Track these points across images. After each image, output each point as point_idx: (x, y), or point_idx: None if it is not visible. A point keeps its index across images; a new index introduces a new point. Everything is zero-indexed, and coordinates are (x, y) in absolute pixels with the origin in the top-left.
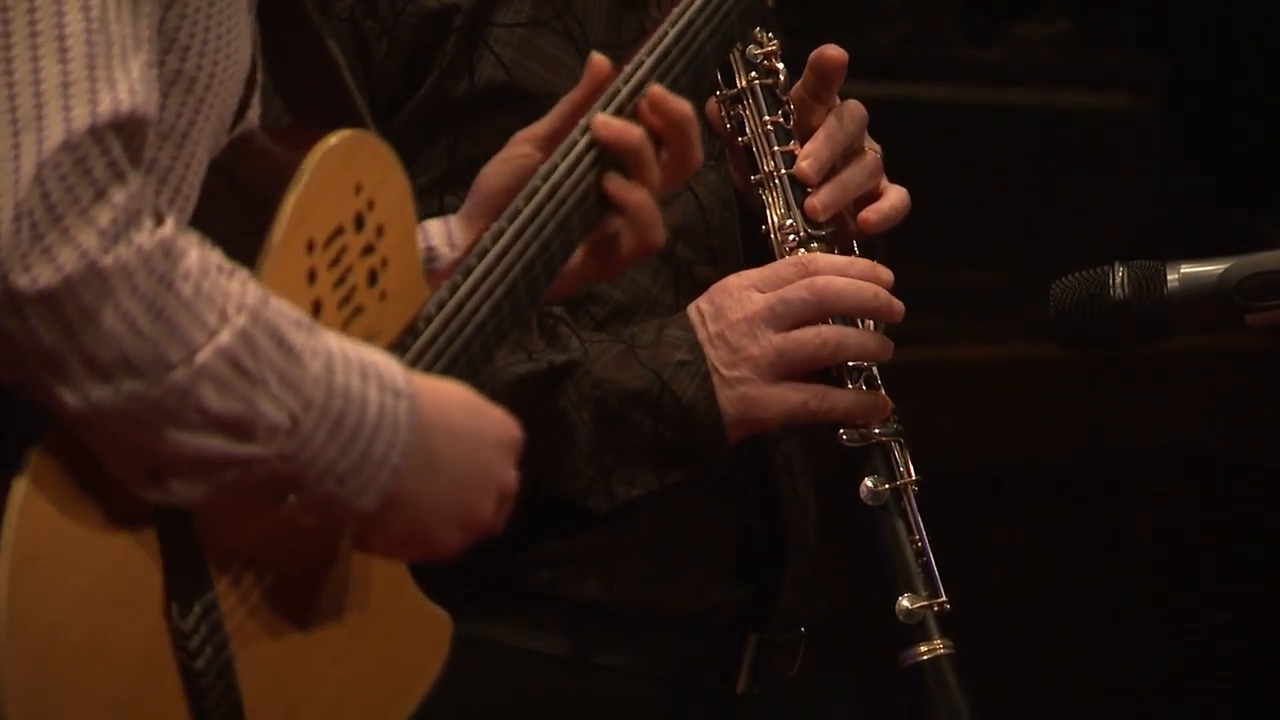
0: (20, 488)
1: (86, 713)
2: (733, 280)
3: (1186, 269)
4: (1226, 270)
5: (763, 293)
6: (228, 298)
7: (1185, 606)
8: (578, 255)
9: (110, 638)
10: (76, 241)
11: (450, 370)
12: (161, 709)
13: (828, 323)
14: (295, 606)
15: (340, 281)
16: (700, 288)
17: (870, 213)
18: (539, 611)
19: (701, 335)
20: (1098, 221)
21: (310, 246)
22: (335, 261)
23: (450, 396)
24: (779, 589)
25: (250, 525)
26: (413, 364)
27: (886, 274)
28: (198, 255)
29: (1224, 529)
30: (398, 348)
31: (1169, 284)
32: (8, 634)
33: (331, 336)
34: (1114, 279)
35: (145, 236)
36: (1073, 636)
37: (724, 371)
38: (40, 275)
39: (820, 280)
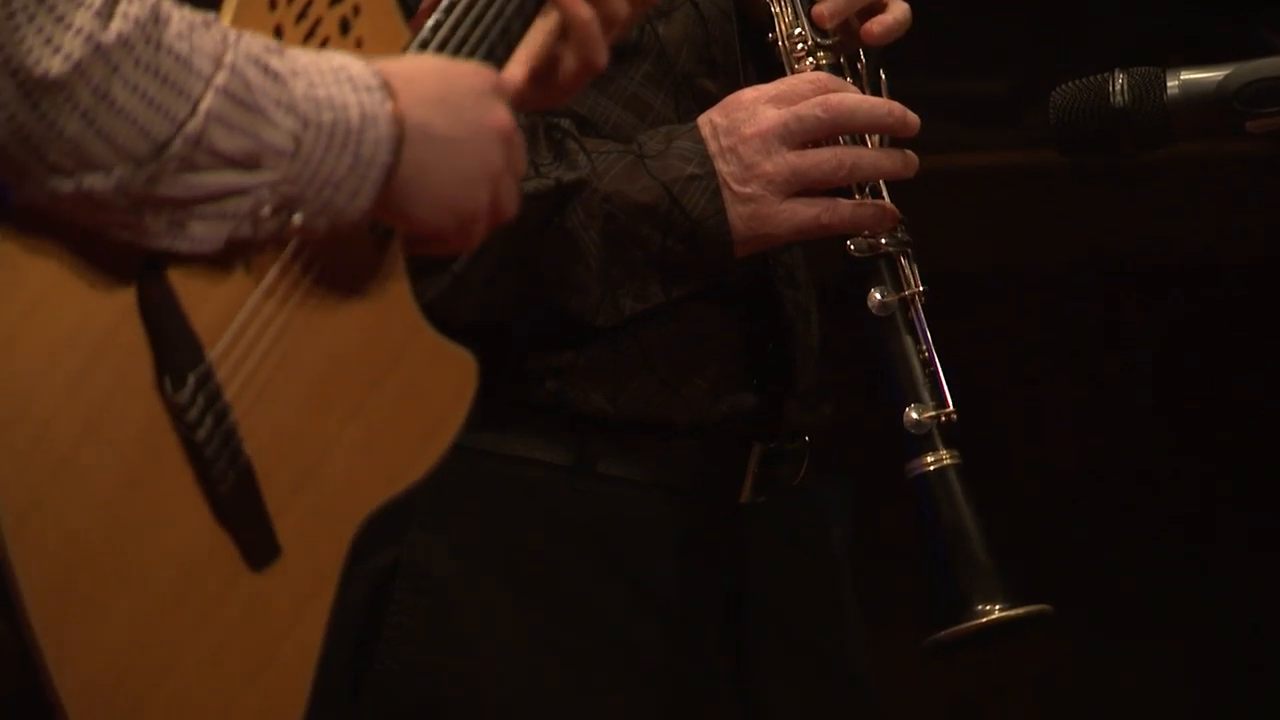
0: None
1: (85, 503)
2: (747, 94)
3: (1186, 75)
4: (1227, 77)
5: (777, 108)
6: (215, 45)
7: (1187, 410)
8: (519, 78)
9: (104, 425)
10: (74, 24)
11: None
12: (167, 486)
13: (840, 141)
14: (298, 367)
15: (310, 34)
16: (701, 100)
17: (875, 24)
18: (545, 423)
19: (713, 149)
20: (1098, 28)
21: (273, 3)
22: (302, 15)
23: (418, 69)
24: (783, 400)
25: (239, 288)
26: None
27: (898, 107)
28: (179, 14)
29: (1223, 332)
30: None
31: (1169, 90)
32: None
33: (300, 52)
34: (1114, 86)
35: (136, 6)
36: (1073, 445)
37: (735, 187)
38: (49, 65)
39: (834, 98)
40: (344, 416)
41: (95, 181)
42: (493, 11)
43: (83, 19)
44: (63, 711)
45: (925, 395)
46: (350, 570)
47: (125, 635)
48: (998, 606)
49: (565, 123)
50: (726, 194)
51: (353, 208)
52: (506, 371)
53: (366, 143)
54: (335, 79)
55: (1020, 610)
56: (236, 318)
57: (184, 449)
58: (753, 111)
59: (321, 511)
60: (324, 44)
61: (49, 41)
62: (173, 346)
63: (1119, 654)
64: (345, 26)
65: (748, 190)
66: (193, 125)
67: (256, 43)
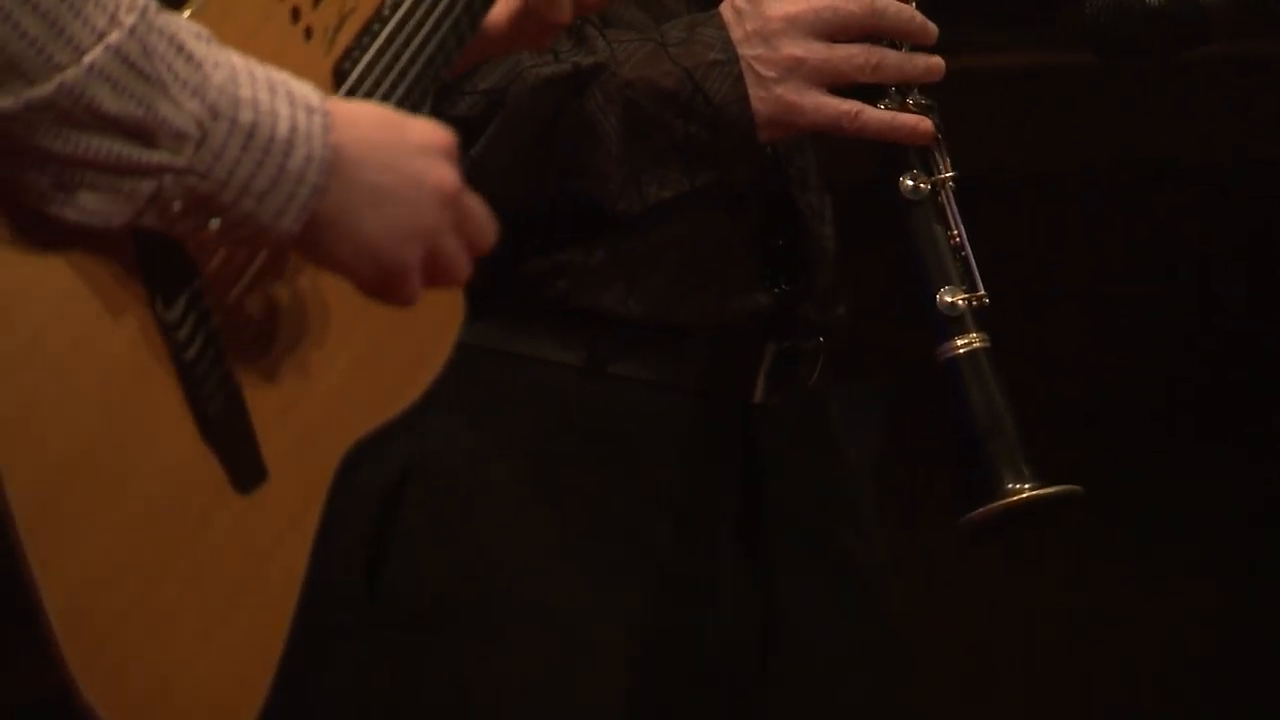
0: None
1: (74, 414)
2: None
3: None
4: None
5: None
6: (118, 2)
7: (1217, 304)
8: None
9: (94, 338)
10: None
11: (411, 66)
12: (155, 403)
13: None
14: (288, 291)
15: None
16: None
17: None
18: (556, 323)
19: (737, 34)
20: None
21: None
22: None
23: (364, 112)
24: (798, 299)
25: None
26: (381, 53)
27: (919, 15)
28: None
29: (1255, 232)
30: (365, 34)
31: None
32: None
33: (237, 54)
34: None
35: None
36: (1104, 335)
37: (760, 70)
38: None
39: None
40: (333, 343)
41: None
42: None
43: None
44: (47, 621)
45: (956, 279)
46: (337, 493)
47: (112, 548)
48: (1027, 485)
49: None
50: (750, 76)
51: (277, 227)
52: (519, 271)
53: (295, 158)
54: (269, 87)
55: (1050, 489)
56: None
57: (174, 368)
58: None
59: (308, 437)
60: None
61: None
62: (165, 265)
63: (1143, 546)
64: None
65: (773, 74)
66: (73, 74)
67: (181, 24)
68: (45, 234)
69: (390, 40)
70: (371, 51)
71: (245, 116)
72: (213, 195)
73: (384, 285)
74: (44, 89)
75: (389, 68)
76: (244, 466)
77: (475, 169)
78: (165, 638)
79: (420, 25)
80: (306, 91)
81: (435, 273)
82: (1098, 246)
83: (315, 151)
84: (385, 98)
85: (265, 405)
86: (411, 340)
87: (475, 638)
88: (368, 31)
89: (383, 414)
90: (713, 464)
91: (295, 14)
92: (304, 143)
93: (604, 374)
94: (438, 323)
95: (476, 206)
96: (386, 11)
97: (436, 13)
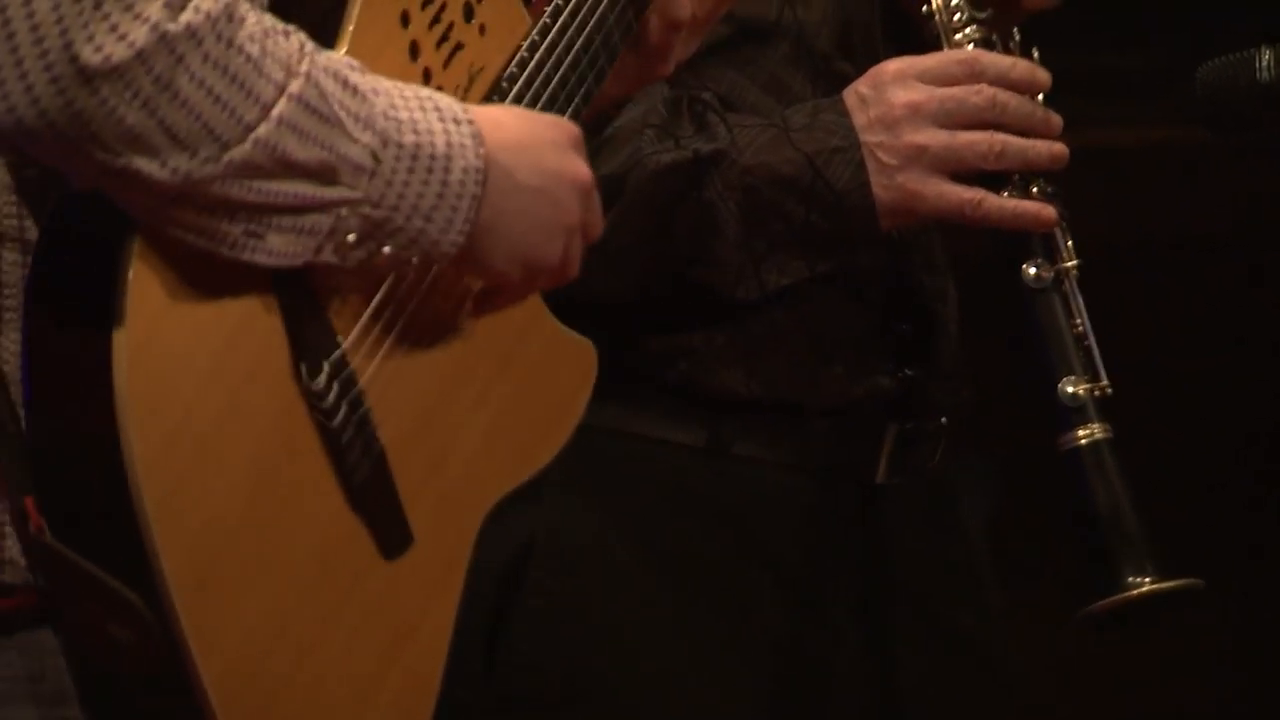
0: (129, 275)
1: (226, 488)
2: (893, 65)
3: None
4: None
5: (928, 85)
6: (290, 54)
7: None
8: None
9: (242, 411)
10: (143, 14)
11: (549, 108)
12: (303, 472)
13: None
14: (427, 354)
15: (436, 20)
16: (838, 83)
17: None
18: (678, 404)
19: (860, 121)
20: (1245, 4)
21: (405, 17)
22: (428, 1)
23: (501, 114)
24: (921, 381)
25: (366, 281)
26: (517, 102)
27: (1045, 76)
28: (256, 18)
29: None
30: (494, 92)
31: None
32: (137, 419)
33: (384, 78)
34: (1260, 61)
35: (210, 2)
36: (1224, 418)
37: (882, 157)
38: (111, 51)
39: (989, 90)
40: (470, 405)
41: (146, 166)
42: (595, 20)
43: (152, 9)
44: (205, 696)
45: (1079, 369)
46: (477, 558)
47: (265, 620)
48: (1149, 579)
49: (708, 96)
50: (872, 164)
51: (446, 241)
52: (638, 352)
53: (455, 171)
54: (420, 106)
55: (1172, 583)
56: (368, 306)
57: (319, 436)
58: (903, 83)
59: (451, 500)
60: (449, 29)
61: (114, 29)
62: (308, 333)
63: (1273, 637)
64: (469, 13)
65: (895, 161)
66: (264, 130)
67: (336, 59)
68: (197, 308)
69: (518, 100)
70: None
71: (409, 139)
72: (385, 220)
73: (528, 283)
74: (241, 150)
75: None
76: (391, 533)
77: (593, 255)
78: (321, 707)
79: (546, 83)
80: (452, 103)
81: (566, 265)
82: (1218, 319)
83: (470, 162)
84: None
85: (410, 469)
86: (546, 399)
87: (600, 716)
88: (496, 90)
89: (520, 474)
90: (834, 544)
91: (427, 75)
92: (460, 155)
93: (726, 455)
94: (571, 380)
95: (598, 200)
96: (515, 69)
97: (561, 71)
